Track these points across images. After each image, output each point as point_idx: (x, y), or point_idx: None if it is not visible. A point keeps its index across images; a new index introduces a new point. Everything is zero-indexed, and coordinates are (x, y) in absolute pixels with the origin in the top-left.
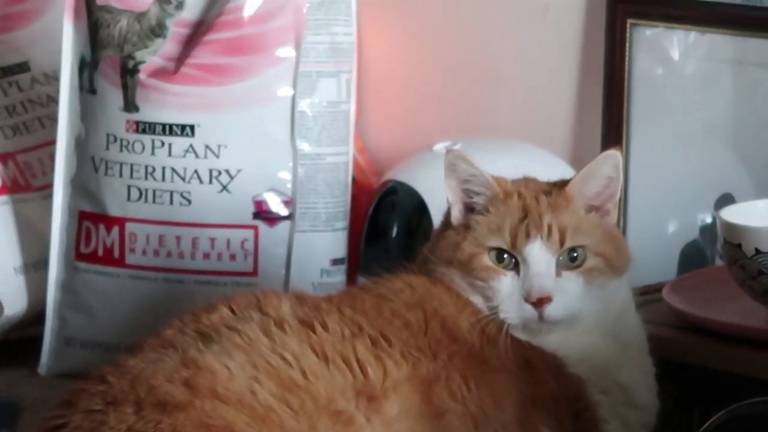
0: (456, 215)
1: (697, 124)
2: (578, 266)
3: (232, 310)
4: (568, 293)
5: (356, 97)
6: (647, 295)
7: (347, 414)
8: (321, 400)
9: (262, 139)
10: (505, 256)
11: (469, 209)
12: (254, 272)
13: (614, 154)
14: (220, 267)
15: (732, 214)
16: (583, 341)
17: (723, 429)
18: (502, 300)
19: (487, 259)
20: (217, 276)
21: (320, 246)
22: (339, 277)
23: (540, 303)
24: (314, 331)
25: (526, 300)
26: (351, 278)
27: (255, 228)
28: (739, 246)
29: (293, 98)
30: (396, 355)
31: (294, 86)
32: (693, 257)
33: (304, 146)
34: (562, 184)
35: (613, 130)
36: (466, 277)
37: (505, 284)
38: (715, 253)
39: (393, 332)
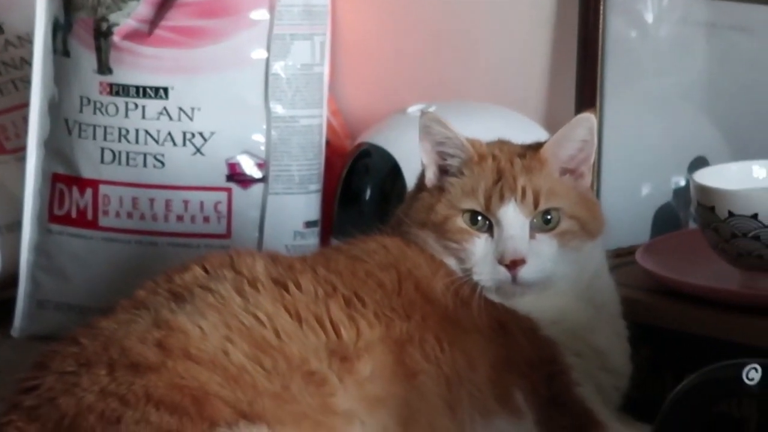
0: (430, 177)
1: (671, 87)
2: (552, 229)
3: (206, 270)
4: (542, 256)
5: (330, 59)
6: (621, 258)
7: (320, 374)
8: (294, 360)
9: (236, 102)
10: (479, 218)
11: (443, 171)
12: (228, 234)
13: (589, 117)
14: (193, 229)
15: (705, 177)
16: (556, 304)
17: (695, 391)
18: (475, 262)
19: (461, 221)
20: (191, 238)
21: (294, 208)
22: (312, 239)
23: (514, 265)
24: (288, 291)
25: (500, 262)
26: (325, 241)
27: (228, 190)
28: (713, 209)
29: (267, 61)
30: (369, 315)
31: (268, 49)
32: (666, 220)
33: (278, 109)
34: (536, 147)
35: (587, 94)
36: (439, 240)
37: (479, 246)
38: (689, 216)
39: (367, 292)
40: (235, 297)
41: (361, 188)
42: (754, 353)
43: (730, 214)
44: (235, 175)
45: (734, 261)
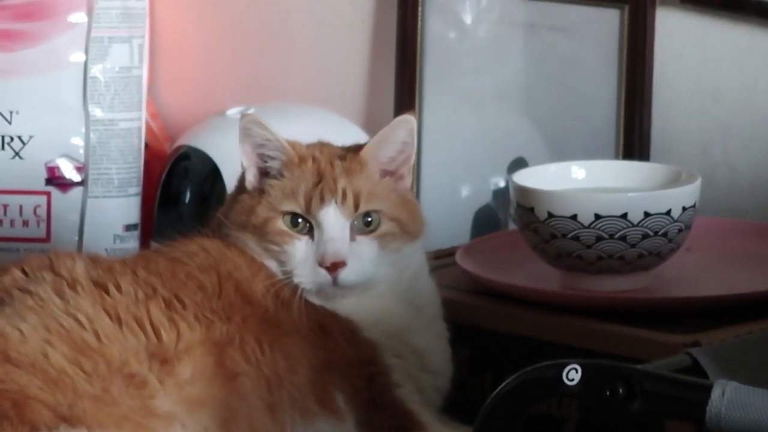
0: (250, 180)
1: (489, 88)
2: (372, 231)
3: (25, 272)
4: (363, 258)
5: (149, 62)
6: (441, 260)
7: (140, 377)
8: (114, 362)
9: (55, 105)
10: (300, 220)
11: (263, 174)
12: (47, 238)
13: (409, 119)
14: (12, 233)
15: (524, 178)
16: (377, 306)
17: (515, 392)
18: (296, 264)
19: (281, 224)
20: (10, 243)
21: (113, 212)
22: (132, 242)
23: (334, 268)
24: (108, 293)
25: (320, 264)
26: (145, 244)
27: (48, 194)
28: (532, 210)
29: (85, 64)
30: (189, 317)
31: (86, 52)
32: (486, 221)
33: (97, 112)
34: (356, 149)
35: (406, 95)
36: (260, 242)
37: (300, 249)
38: (508, 217)
39: (187, 294)
40: (55, 299)
41: (180, 191)
42: (574, 353)
43: (550, 215)
44: (54, 179)
45: (554, 262)
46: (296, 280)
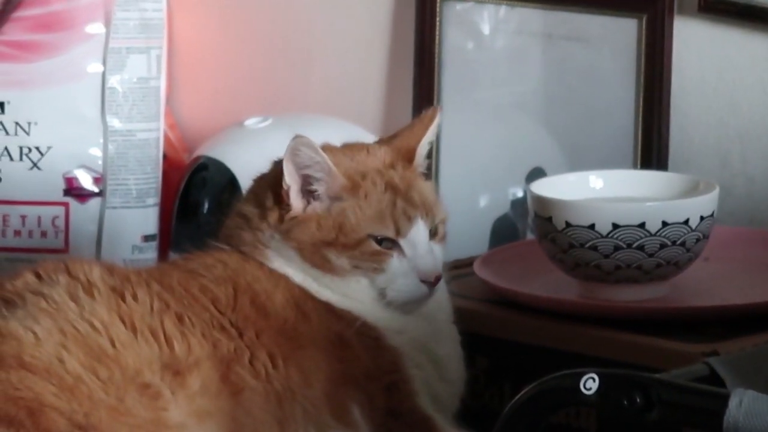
0: (296, 199)
1: (507, 98)
2: (436, 235)
3: (38, 276)
4: (441, 264)
5: (167, 73)
6: (459, 269)
7: (154, 387)
8: (129, 371)
9: (73, 116)
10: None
11: (308, 193)
12: (65, 249)
13: (438, 112)
14: (31, 244)
15: (542, 188)
16: (402, 313)
17: (533, 402)
18: (393, 280)
19: (374, 244)
20: (28, 253)
21: (131, 222)
22: (151, 253)
23: (437, 281)
24: (124, 300)
25: (424, 280)
26: (163, 255)
27: (66, 205)
28: (550, 219)
29: (103, 75)
30: (198, 335)
31: (104, 62)
32: (504, 231)
33: (115, 123)
34: (400, 155)
35: (424, 105)
36: (351, 260)
37: (396, 266)
38: (527, 227)
39: (197, 312)
40: (69, 303)
41: (198, 201)
42: (592, 363)
43: (567, 224)
44: (73, 190)
45: (572, 271)
46: (392, 294)
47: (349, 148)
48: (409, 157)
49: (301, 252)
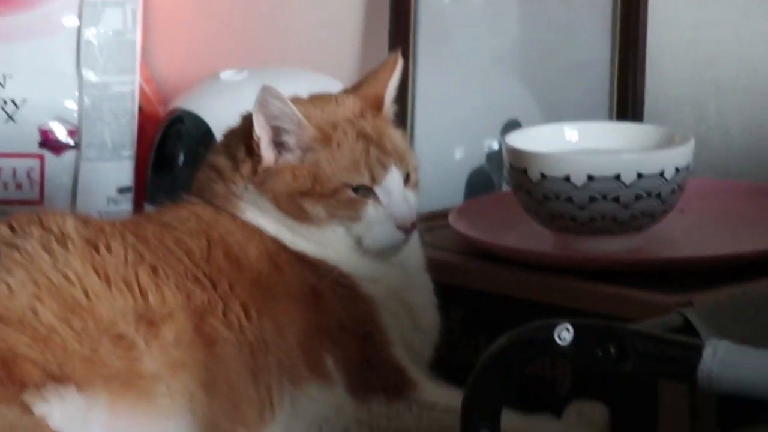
0: (267, 151)
1: (483, 51)
2: (409, 182)
3: (12, 228)
4: (415, 210)
5: (142, 26)
6: (434, 221)
7: (128, 339)
8: (103, 322)
9: (48, 69)
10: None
11: (279, 146)
12: (40, 201)
13: (400, 58)
14: (5, 196)
15: (518, 140)
16: (376, 262)
17: (507, 352)
18: (370, 228)
19: (350, 193)
20: (3, 205)
21: (106, 175)
22: (126, 205)
23: (413, 228)
24: (98, 252)
25: (400, 227)
26: (138, 207)
27: (41, 157)
28: (525, 171)
29: (79, 28)
30: (172, 286)
31: (79, 16)
32: (480, 183)
33: (90, 76)
34: (368, 104)
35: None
36: (327, 208)
37: (371, 214)
38: (502, 179)
39: (171, 263)
40: (43, 254)
41: (174, 154)
42: (567, 314)
43: (543, 176)
44: (48, 142)
45: (547, 223)
46: (368, 242)
47: (318, 99)
48: (377, 105)
49: (277, 202)
